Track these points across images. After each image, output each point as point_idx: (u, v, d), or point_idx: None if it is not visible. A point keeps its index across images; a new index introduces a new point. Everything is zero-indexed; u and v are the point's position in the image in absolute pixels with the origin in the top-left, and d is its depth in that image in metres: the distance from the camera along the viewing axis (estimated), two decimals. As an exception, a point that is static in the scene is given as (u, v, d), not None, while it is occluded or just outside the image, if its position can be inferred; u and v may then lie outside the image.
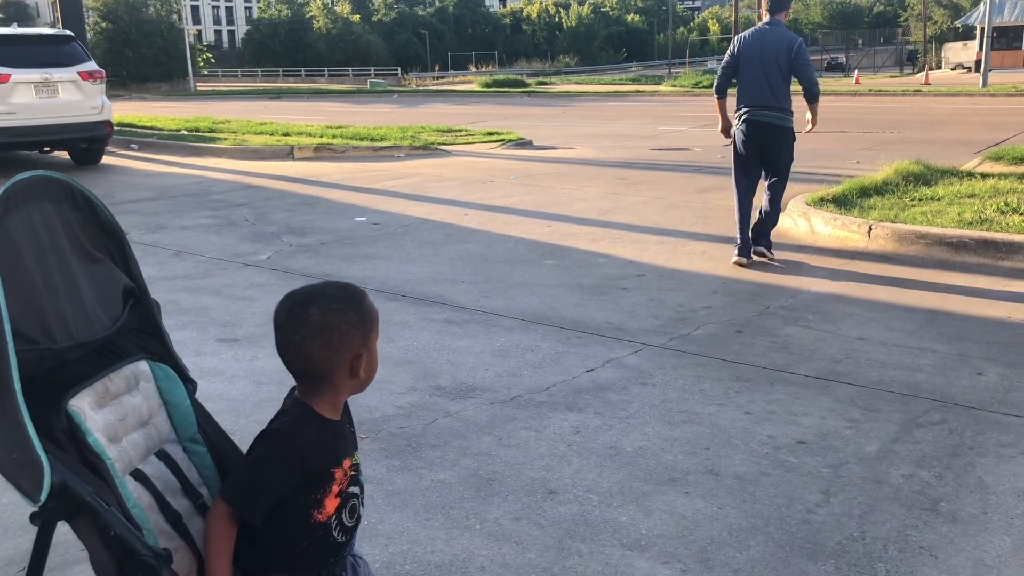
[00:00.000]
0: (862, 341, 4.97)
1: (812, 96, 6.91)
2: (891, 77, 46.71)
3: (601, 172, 12.19)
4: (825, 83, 39.43)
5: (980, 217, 7.39)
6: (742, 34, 7.06)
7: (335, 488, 1.74)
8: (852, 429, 3.81)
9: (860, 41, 69.86)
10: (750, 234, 6.88)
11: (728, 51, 7.09)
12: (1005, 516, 3.09)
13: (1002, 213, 7.53)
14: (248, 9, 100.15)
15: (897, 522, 3.06)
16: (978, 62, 38.19)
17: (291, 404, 1.76)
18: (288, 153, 14.90)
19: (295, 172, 12.82)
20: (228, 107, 32.10)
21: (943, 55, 54.90)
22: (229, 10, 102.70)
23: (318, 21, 73.78)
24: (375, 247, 7.71)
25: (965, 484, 3.32)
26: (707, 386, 4.34)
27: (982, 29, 39.56)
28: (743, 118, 6.87)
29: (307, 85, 56.63)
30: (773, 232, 7.15)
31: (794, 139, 6.99)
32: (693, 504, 3.20)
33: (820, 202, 8.32)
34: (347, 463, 1.77)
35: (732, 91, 7.09)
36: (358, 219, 9.04)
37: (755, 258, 6.87)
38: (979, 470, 3.42)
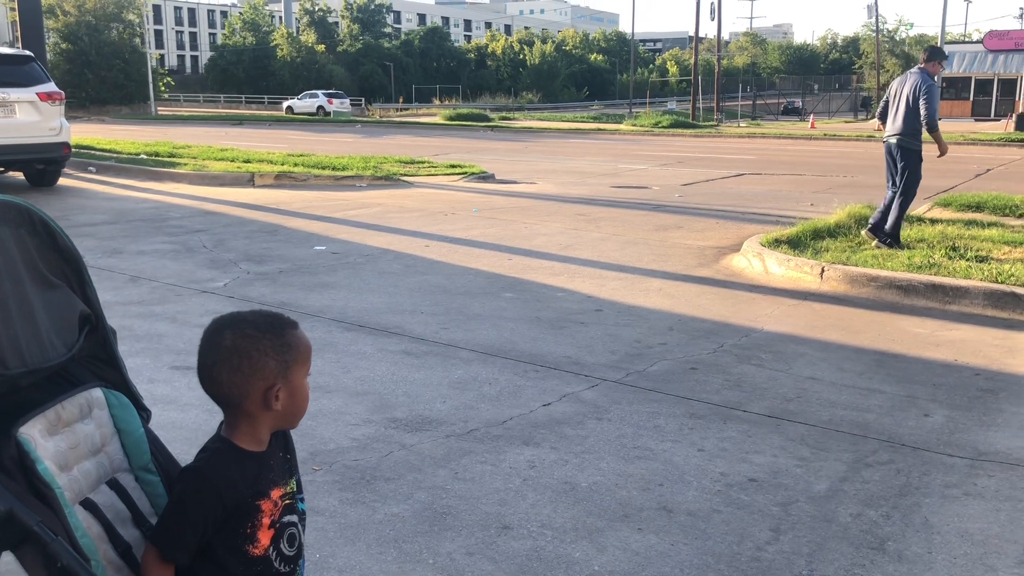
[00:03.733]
0: (813, 381, 5.06)
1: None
2: (845, 122, 47.82)
3: (562, 207, 12.30)
4: (781, 126, 40.38)
5: (929, 261, 7.58)
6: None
7: (265, 521, 1.72)
8: (802, 468, 3.87)
9: (816, 86, 71.56)
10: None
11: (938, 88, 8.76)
12: (949, 556, 3.15)
13: (950, 258, 7.73)
14: (212, 35, 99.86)
15: (845, 561, 3.11)
16: (929, 110, 39.25)
17: (211, 439, 1.75)
18: (249, 180, 14.82)
19: (255, 199, 12.75)
20: (189, 132, 31.89)
21: (896, 103, 56.32)
22: (193, 36, 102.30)
23: (282, 49, 73.76)
24: (334, 276, 7.68)
25: (911, 524, 3.38)
26: (662, 422, 4.38)
27: (933, 79, 40.71)
28: None
29: (269, 112, 56.46)
30: (731, 271, 7.32)
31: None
32: (646, 541, 3.22)
33: (775, 243, 8.47)
34: (276, 493, 1.75)
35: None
36: (318, 248, 9.01)
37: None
38: (925, 510, 3.49)
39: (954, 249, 8.12)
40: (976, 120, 45.55)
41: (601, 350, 5.60)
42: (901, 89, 8.63)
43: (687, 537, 3.25)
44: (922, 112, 8.39)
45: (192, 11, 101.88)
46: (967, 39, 66.76)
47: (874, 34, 62.27)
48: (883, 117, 8.92)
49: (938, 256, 7.81)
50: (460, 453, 3.97)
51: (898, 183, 8.64)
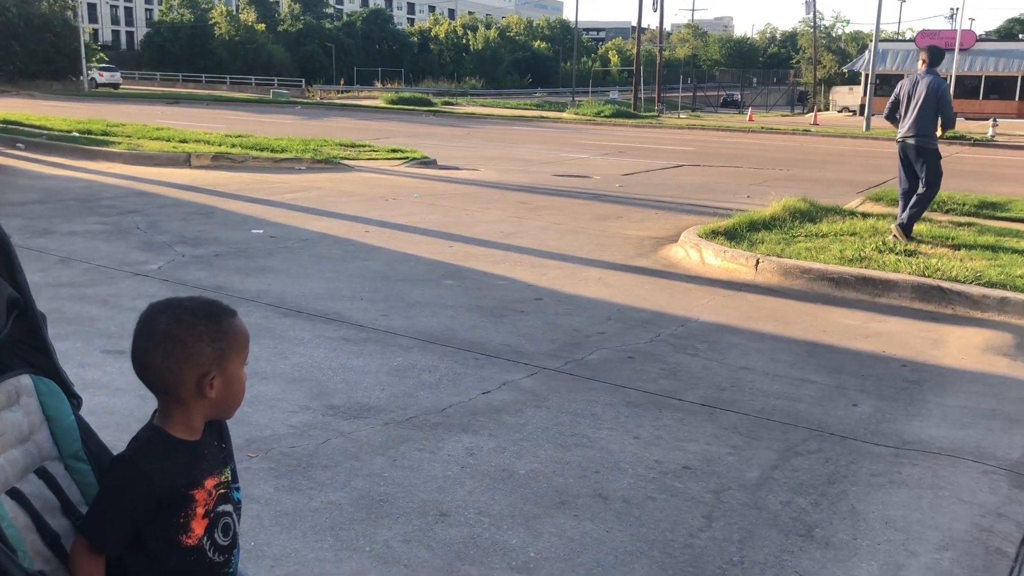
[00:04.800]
0: (747, 371, 5.16)
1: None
2: (782, 116, 48.74)
3: (504, 195, 12.31)
4: (720, 119, 40.93)
5: (860, 255, 7.79)
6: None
7: (199, 510, 1.70)
8: (735, 456, 3.95)
9: (755, 80, 72.67)
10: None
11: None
12: (873, 542, 3.26)
13: (880, 252, 7.95)
14: (148, 11, 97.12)
15: (774, 547, 3.19)
16: (862, 106, 40.25)
17: (143, 428, 1.72)
18: (185, 160, 14.51)
19: (191, 180, 12.50)
20: (123, 110, 31.06)
21: (831, 98, 57.55)
22: (128, 11, 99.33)
23: (220, 28, 72.16)
24: (272, 260, 7.58)
25: (838, 511, 3.48)
26: (599, 410, 4.43)
27: (866, 76, 41.74)
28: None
29: (207, 92, 55.20)
30: (668, 261, 7.40)
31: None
32: (582, 527, 3.27)
33: (711, 234, 8.60)
34: (210, 482, 1.73)
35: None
36: (255, 231, 8.87)
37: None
38: (851, 498, 3.60)
39: (884, 243, 8.35)
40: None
41: (541, 338, 5.63)
42: (914, 91, 8.79)
43: (622, 524, 3.30)
44: (947, 115, 8.77)
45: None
46: (900, 37, 68.45)
47: (812, 30, 63.42)
48: (892, 118, 9.09)
49: (869, 250, 8.02)
50: (398, 440, 3.96)
51: (924, 180, 8.80)
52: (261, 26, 73.30)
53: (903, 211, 8.91)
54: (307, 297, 6.40)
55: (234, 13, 75.02)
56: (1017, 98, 49.74)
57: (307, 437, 3.97)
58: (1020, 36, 63.47)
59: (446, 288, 6.89)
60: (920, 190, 8.81)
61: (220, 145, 16.12)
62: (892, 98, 9.08)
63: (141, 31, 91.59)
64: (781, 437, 4.18)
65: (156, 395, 1.71)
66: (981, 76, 48.22)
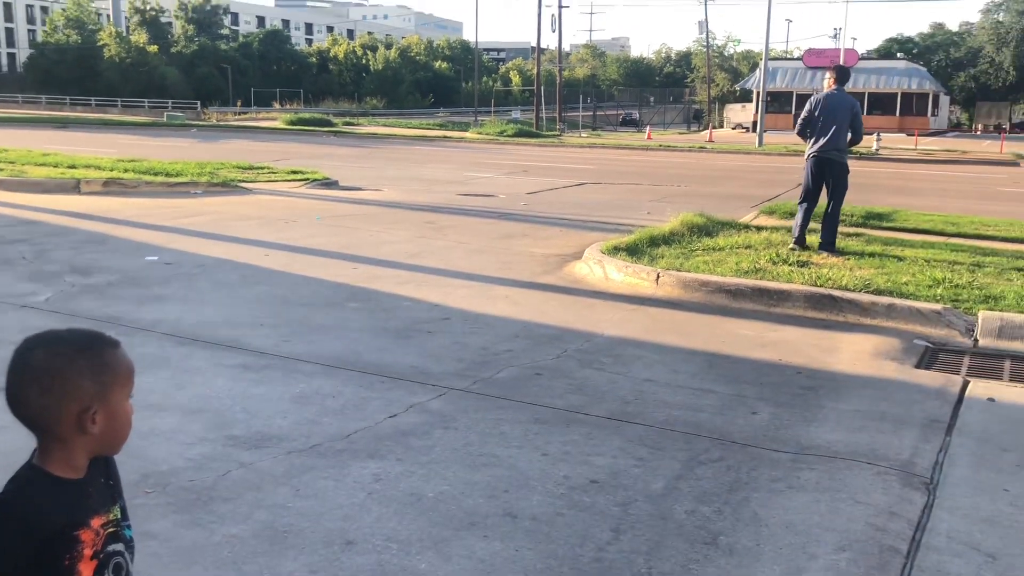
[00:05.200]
0: (650, 383, 5.25)
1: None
2: (679, 134, 50.06)
3: (408, 215, 12.24)
4: (620, 137, 41.73)
5: (755, 267, 8.03)
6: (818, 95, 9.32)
7: (87, 551, 1.62)
8: (641, 468, 4.00)
9: (652, 99, 74.50)
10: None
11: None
12: (775, 546, 3.34)
13: (774, 263, 8.22)
14: (32, 32, 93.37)
15: (681, 557, 3.24)
16: (755, 123, 41.69)
17: (22, 467, 1.63)
18: (74, 187, 13.96)
19: (81, 207, 12.03)
20: (5, 135, 29.72)
21: (725, 115, 59.48)
22: (9, 31, 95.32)
23: (110, 49, 69.94)
24: (167, 288, 7.35)
25: (741, 518, 3.56)
26: (507, 429, 4.43)
27: (758, 93, 43.26)
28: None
29: (97, 115, 53.32)
30: (573, 277, 7.48)
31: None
32: (491, 548, 3.25)
33: (614, 250, 8.74)
34: (97, 522, 1.65)
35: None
36: (149, 258, 8.59)
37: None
38: (754, 504, 3.68)
39: (778, 255, 8.63)
40: (802, 138, 48.58)
41: (448, 359, 5.60)
42: (828, 107, 9.00)
43: (532, 542, 3.30)
44: (859, 131, 9.16)
45: (8, 5, 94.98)
46: (789, 56, 71.17)
47: (705, 49, 65.43)
48: (804, 134, 9.26)
49: (763, 261, 8.27)
50: (302, 469, 3.87)
51: (835, 194, 9.08)
52: (153, 48, 71.36)
53: (803, 227, 9.11)
54: (205, 324, 6.22)
55: (124, 34, 72.82)
56: (898, 113, 52.37)
57: (206, 469, 3.84)
58: (899, 55, 66.86)
59: (350, 311, 6.80)
60: (829, 207, 9.08)
61: (112, 170, 15.58)
62: (805, 114, 9.23)
63: (24, 52, 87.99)
64: (685, 447, 4.26)
65: (34, 433, 1.62)
66: (864, 93, 50.54)
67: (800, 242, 9.07)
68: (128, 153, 20.77)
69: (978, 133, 56.12)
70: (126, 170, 15.63)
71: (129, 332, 5.92)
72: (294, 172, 17.00)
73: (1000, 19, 65.32)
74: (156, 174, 15.24)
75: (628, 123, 64.33)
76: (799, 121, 9.38)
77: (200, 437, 4.20)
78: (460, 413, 4.63)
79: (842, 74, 9.40)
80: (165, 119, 48.22)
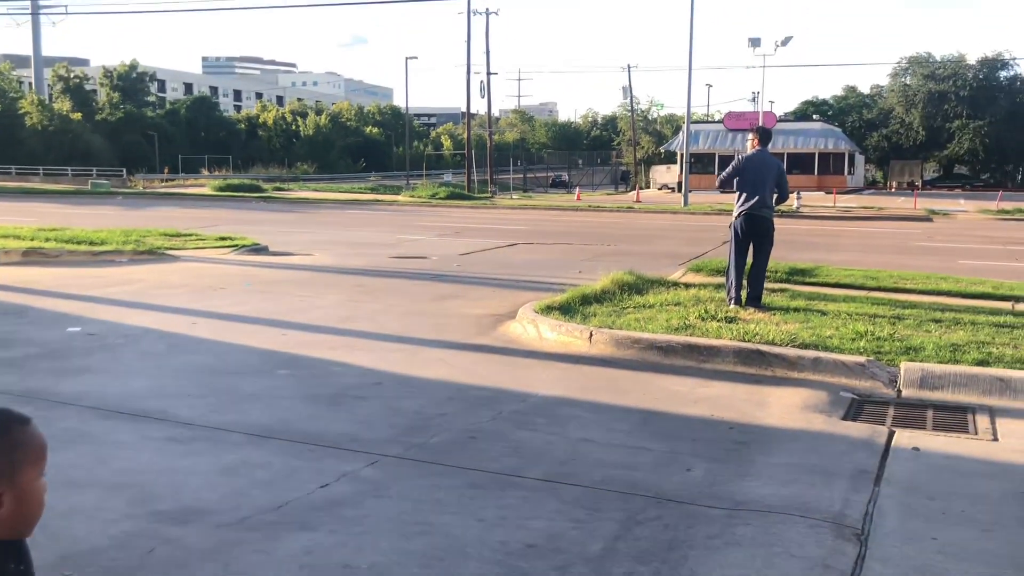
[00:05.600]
0: (586, 442, 5.24)
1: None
2: (608, 194, 50.99)
3: (340, 279, 12.15)
4: (550, 198, 42.28)
5: (685, 323, 8.15)
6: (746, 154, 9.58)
7: None
8: (578, 530, 3.97)
9: (580, 161, 75.92)
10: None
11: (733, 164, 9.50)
12: (713, 603, 3.33)
13: (703, 320, 8.35)
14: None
15: (620, 618, 3.20)
16: (680, 184, 42.72)
17: None
18: (-10, 257, 13.52)
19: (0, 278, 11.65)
20: (-82, 205, 28.78)
21: (651, 176, 60.87)
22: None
23: (32, 117, 68.62)
24: (90, 360, 7.12)
25: (679, 576, 3.55)
26: (442, 495, 4.36)
27: (682, 155, 44.43)
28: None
29: (18, 184, 51.98)
30: (507, 337, 7.49)
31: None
32: (428, 618, 3.17)
33: (547, 310, 8.79)
34: None
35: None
36: (71, 329, 8.33)
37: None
38: (691, 562, 3.68)
39: (706, 311, 8.77)
40: (722, 193, 50.05)
41: (381, 424, 5.52)
42: (755, 167, 9.26)
43: (469, 611, 3.23)
44: (785, 190, 9.48)
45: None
46: (710, 119, 73.48)
47: (630, 114, 67.15)
48: (726, 187, 9.60)
49: (692, 318, 8.40)
50: (231, 544, 3.75)
51: (763, 250, 9.31)
52: (77, 115, 70.21)
53: (738, 285, 9.26)
54: (130, 396, 6.03)
55: (47, 102, 71.59)
56: (816, 172, 54.29)
57: (130, 548, 3.69)
58: (815, 117, 69.57)
59: (280, 378, 6.67)
60: (756, 263, 9.29)
61: (32, 239, 15.17)
62: (730, 170, 9.47)
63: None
64: (622, 507, 4.25)
65: None
66: (784, 153, 52.30)
67: (738, 300, 9.20)
68: (50, 222, 20.27)
69: (893, 190, 58.44)
70: (47, 239, 15.23)
71: (49, 406, 5.70)
72: (223, 238, 16.78)
73: (907, 82, 68.65)
74: (79, 243, 14.88)
75: (558, 185, 65.37)
76: (722, 176, 9.64)
77: (124, 514, 4.04)
78: (393, 481, 4.55)
79: (765, 135, 9.73)
80: (89, 187, 47.27)
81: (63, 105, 71.88)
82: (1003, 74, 65.93)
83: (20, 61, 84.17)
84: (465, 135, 54.51)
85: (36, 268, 12.85)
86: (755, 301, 9.22)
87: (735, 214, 9.45)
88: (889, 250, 18.36)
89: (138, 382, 6.46)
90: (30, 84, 78.07)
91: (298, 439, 5.17)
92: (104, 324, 8.63)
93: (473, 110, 55.86)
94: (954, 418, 5.94)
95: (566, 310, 8.87)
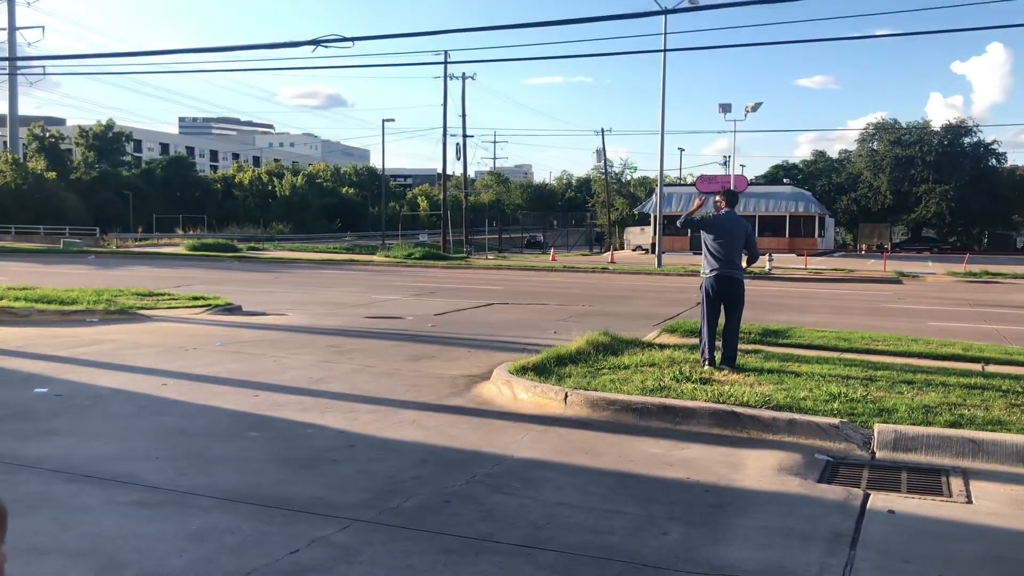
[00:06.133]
0: (561, 506, 5.19)
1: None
2: (583, 255, 51.32)
3: (313, 339, 12.07)
4: (525, 259, 42.49)
5: (660, 384, 8.15)
6: (715, 214, 9.67)
7: None
8: (554, 596, 3.90)
9: (555, 222, 76.55)
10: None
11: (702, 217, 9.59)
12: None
13: (678, 381, 8.36)
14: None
15: None
16: (653, 245, 43.14)
17: None
18: (-43, 316, 13.32)
19: (-36, 338, 11.46)
20: None
21: (625, 238, 61.48)
22: None
23: (5, 176, 68.39)
24: (57, 421, 6.99)
25: (656, 643, 3.48)
26: (415, 561, 4.29)
27: (655, 217, 44.96)
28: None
29: (-13, 242, 51.56)
30: (482, 399, 7.45)
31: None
32: None
33: (522, 370, 8.77)
34: None
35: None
36: (39, 390, 8.19)
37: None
38: (667, 628, 3.62)
39: (681, 372, 8.78)
40: (694, 253, 50.55)
41: (353, 488, 5.44)
42: (725, 229, 9.32)
43: None
44: (755, 251, 9.76)
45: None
46: (683, 182, 74.62)
47: (603, 176, 68.05)
48: (681, 229, 9.71)
49: (668, 379, 8.41)
50: (197, 612, 3.64)
51: (735, 312, 9.35)
52: (52, 174, 70.06)
53: (711, 346, 9.24)
54: (96, 459, 5.91)
55: (21, 161, 71.43)
56: (787, 235, 55.06)
57: (92, 618, 3.58)
58: (785, 180, 70.88)
59: (251, 440, 6.57)
60: (729, 324, 9.31)
61: (1, 299, 14.97)
62: (698, 219, 9.52)
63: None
64: (598, 572, 4.19)
65: None
66: (755, 216, 53.11)
67: (712, 361, 9.19)
68: (20, 280, 20.05)
69: (863, 253, 59.39)
70: (17, 298, 15.05)
71: (11, 470, 5.58)
72: (195, 298, 16.67)
73: (875, 147, 70.25)
74: (49, 302, 14.71)
75: (533, 245, 65.80)
76: (692, 220, 9.52)
77: (86, 582, 3.92)
78: (366, 546, 4.47)
79: (732, 197, 9.81)
80: (62, 245, 46.93)
81: (38, 164, 71.77)
82: (967, 140, 67.77)
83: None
84: (441, 196, 54.93)
85: (5, 328, 12.67)
86: (730, 361, 9.24)
87: (705, 274, 9.48)
88: (860, 312, 18.56)
89: (106, 444, 6.33)
90: (5, 143, 77.93)
91: (269, 503, 5.08)
92: (73, 385, 8.49)
93: (449, 171, 56.44)
94: (928, 480, 5.95)
95: (541, 371, 8.85)
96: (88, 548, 4.34)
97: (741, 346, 9.86)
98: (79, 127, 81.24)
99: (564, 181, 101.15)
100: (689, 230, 9.64)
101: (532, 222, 77.80)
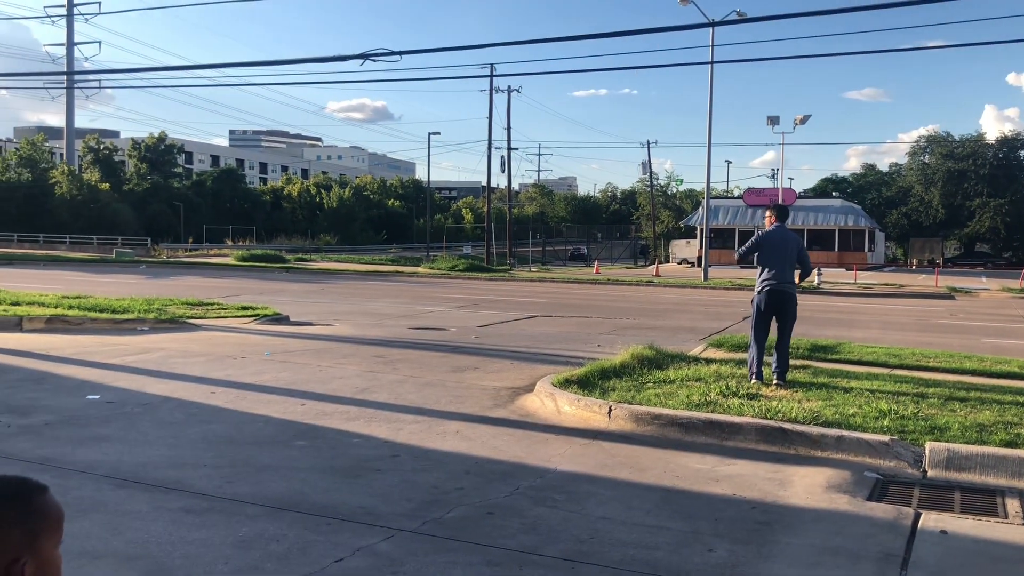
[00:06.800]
0: (605, 520, 5.15)
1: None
2: (627, 268, 51.11)
3: (359, 350, 12.17)
4: (569, 271, 42.44)
5: (706, 399, 8.06)
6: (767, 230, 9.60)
7: None
8: (597, 611, 3.87)
9: (599, 235, 76.42)
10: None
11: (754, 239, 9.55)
12: None
13: (724, 396, 8.26)
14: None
15: None
16: (699, 258, 42.84)
17: None
18: (16, 324, 13.68)
19: (22, 345, 11.75)
20: (-53, 271, 29.27)
21: (671, 251, 61.11)
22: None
23: (61, 187, 70.16)
24: (108, 428, 7.12)
25: (701, 661, 3.44)
26: (458, 572, 4.28)
27: (702, 230, 44.65)
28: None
29: (45, 252, 52.95)
30: (525, 411, 7.44)
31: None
32: None
33: (565, 383, 8.74)
34: None
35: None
36: (91, 397, 8.36)
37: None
38: (713, 646, 3.57)
39: (728, 387, 8.69)
40: (742, 267, 50.09)
41: (397, 498, 5.46)
42: (776, 243, 9.29)
43: None
44: (807, 265, 9.63)
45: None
46: (730, 195, 74.06)
47: (649, 188, 67.77)
48: (745, 260, 9.64)
49: (714, 394, 8.32)
50: (243, 619, 3.68)
51: (787, 326, 9.30)
52: (105, 185, 71.71)
53: (760, 361, 9.18)
54: (146, 466, 6.01)
55: (76, 172, 73.23)
56: (836, 249, 54.28)
57: (140, 622, 3.63)
58: (834, 194, 69.92)
59: (297, 449, 6.63)
60: (780, 338, 9.22)
61: (56, 307, 15.34)
62: (750, 244, 9.46)
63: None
64: (642, 588, 4.14)
65: None
66: (804, 229, 52.44)
67: (760, 376, 9.11)
68: (74, 289, 20.52)
69: (913, 268, 58.28)
70: (71, 307, 15.39)
71: (64, 474, 5.69)
72: (244, 308, 16.91)
73: (926, 161, 69.06)
74: (102, 311, 15.03)
75: (577, 258, 65.68)
76: (741, 250, 9.62)
77: (135, 587, 3.98)
78: (409, 556, 4.48)
79: (782, 212, 9.75)
80: (114, 255, 48.01)
81: (92, 175, 73.51)
82: (1023, 153, 66.23)
83: (52, 133, 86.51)
84: (485, 208, 55.11)
85: (59, 335, 12.97)
86: (781, 376, 9.14)
87: (757, 289, 9.45)
88: (911, 328, 18.21)
89: (155, 451, 6.44)
90: (61, 155, 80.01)
91: (314, 512, 5.12)
92: (123, 392, 8.66)
93: (493, 184, 56.59)
94: (982, 500, 5.80)
95: (585, 384, 8.81)
96: (137, 553, 4.41)
97: (790, 361, 9.72)
98: (132, 139, 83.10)
99: (609, 194, 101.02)
100: (747, 258, 9.58)
101: (576, 235, 77.73)
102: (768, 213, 9.78)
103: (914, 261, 63.15)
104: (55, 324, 13.83)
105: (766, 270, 9.33)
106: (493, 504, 5.40)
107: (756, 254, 9.43)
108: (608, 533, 4.92)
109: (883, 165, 77.79)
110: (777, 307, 9.32)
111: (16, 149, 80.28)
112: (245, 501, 5.28)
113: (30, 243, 62.71)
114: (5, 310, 14.69)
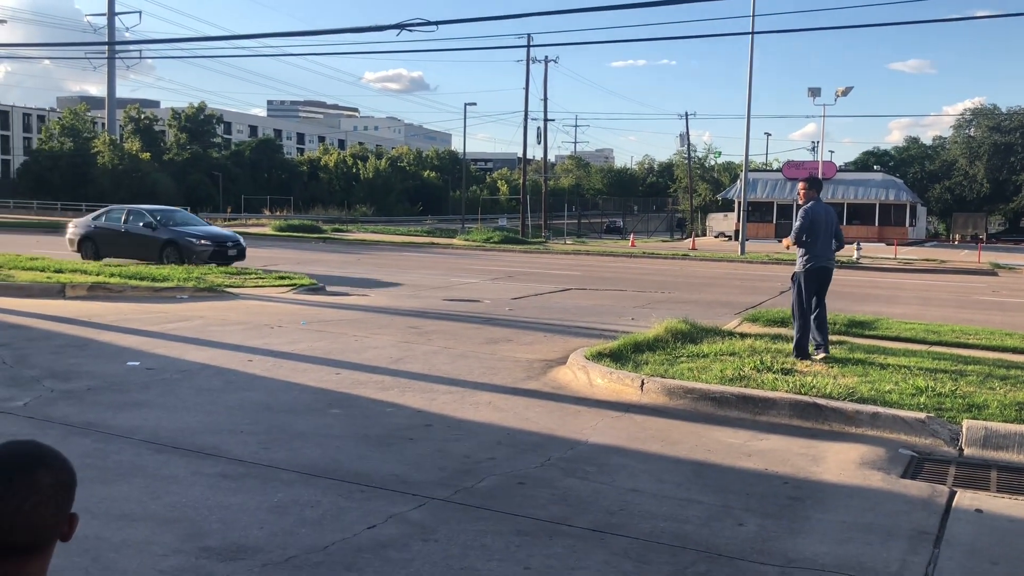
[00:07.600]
0: (635, 493, 5.17)
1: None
2: (663, 241, 50.77)
3: (393, 320, 12.25)
4: (604, 244, 42.25)
5: (740, 374, 8.02)
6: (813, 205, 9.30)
7: None
8: (626, 582, 3.90)
9: (636, 207, 75.91)
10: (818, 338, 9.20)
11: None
12: (764, 664, 3.23)
13: (758, 371, 8.21)
14: (27, 139, 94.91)
15: (667, 676, 3.12)
16: (737, 232, 42.43)
17: None
18: (59, 291, 13.96)
19: (65, 312, 11.99)
20: (-7, 239, 29.86)
21: (707, 224, 60.53)
22: (5, 139, 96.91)
23: (103, 156, 71.14)
24: (147, 394, 7.26)
25: (728, 634, 3.45)
26: (489, 540, 4.33)
27: (739, 203, 44.20)
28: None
29: (87, 220, 53.71)
30: (557, 383, 7.45)
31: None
32: (470, 667, 3.12)
33: (598, 356, 8.73)
34: None
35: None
36: (131, 363, 8.52)
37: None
38: (741, 619, 3.58)
39: (762, 362, 8.63)
40: (779, 241, 49.51)
41: (430, 467, 5.52)
42: (822, 219, 9.14)
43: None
44: (840, 237, 9.47)
45: (5, 114, 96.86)
46: (768, 168, 73.01)
47: (686, 161, 67.11)
48: (803, 243, 9.11)
49: (748, 369, 8.27)
50: (277, 582, 3.76)
51: (823, 300, 9.23)
52: (146, 155, 72.60)
53: (805, 337, 9.05)
54: (184, 431, 6.13)
55: (118, 142, 74.17)
56: (877, 223, 53.43)
57: (178, 583, 3.72)
58: (876, 167, 68.70)
59: (332, 417, 6.72)
60: (819, 312, 9.13)
61: (98, 275, 15.61)
62: (802, 224, 9.08)
63: (19, 159, 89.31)
64: (671, 560, 4.16)
65: (15, 559, 1.53)
66: (843, 203, 51.68)
67: (806, 353, 9.00)
68: (115, 258, 20.84)
69: (956, 243, 57.20)
70: (112, 275, 15.66)
71: (105, 439, 5.82)
72: (281, 277, 17.08)
73: (972, 134, 67.55)
74: (142, 279, 15.27)
75: (612, 231, 65.36)
76: (796, 232, 9.17)
77: (173, 548, 4.08)
78: (441, 524, 4.53)
79: (817, 184, 9.56)
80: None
81: (133, 145, 74.43)
82: (1072, 126, 64.54)
83: (94, 103, 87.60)
84: (521, 180, 54.97)
85: (100, 303, 13.21)
86: (826, 348, 9.09)
87: (803, 266, 9.19)
88: (951, 304, 17.92)
89: (193, 417, 6.56)
90: (103, 124, 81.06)
91: (348, 479, 5.19)
92: (162, 359, 8.81)
93: (529, 156, 56.47)
94: (1021, 480, 5.73)
95: (617, 357, 8.80)
96: (175, 516, 4.51)
97: None
98: (172, 109, 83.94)
99: (645, 166, 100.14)
100: (805, 240, 9.17)
101: (612, 207, 77.29)
102: (802, 185, 9.56)
103: (956, 236, 61.96)
104: (97, 292, 14.08)
105: (810, 246, 9.16)
106: (524, 474, 5.43)
107: (807, 232, 9.18)
108: (638, 505, 4.94)
109: (927, 138, 76.21)
110: (822, 283, 9.27)
111: (59, 119, 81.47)
112: (280, 467, 5.37)
113: (73, 211, 63.62)
114: (48, 277, 14.99)
